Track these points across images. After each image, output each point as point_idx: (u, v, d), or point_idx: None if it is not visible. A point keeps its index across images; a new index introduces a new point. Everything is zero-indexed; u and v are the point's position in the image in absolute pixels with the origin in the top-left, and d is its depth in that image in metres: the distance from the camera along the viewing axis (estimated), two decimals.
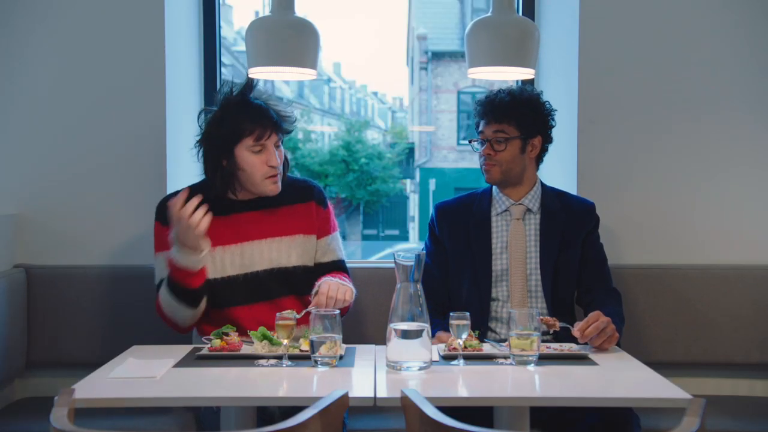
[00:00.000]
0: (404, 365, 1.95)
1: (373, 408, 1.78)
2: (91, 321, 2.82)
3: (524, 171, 2.52)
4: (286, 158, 2.47)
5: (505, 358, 2.07)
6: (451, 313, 2.05)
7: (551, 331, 2.28)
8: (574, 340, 2.22)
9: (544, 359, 2.05)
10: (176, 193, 2.47)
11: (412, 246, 14.61)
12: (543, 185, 2.58)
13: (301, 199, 2.50)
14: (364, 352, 2.17)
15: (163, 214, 2.40)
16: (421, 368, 1.95)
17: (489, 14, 2.43)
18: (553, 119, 2.55)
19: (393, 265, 1.99)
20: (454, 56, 17.15)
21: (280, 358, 2.03)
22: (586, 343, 2.18)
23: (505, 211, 2.54)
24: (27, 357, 2.81)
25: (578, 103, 2.94)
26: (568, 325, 2.22)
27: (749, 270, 2.89)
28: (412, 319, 1.95)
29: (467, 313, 2.04)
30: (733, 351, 2.85)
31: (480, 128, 2.53)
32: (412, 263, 1.96)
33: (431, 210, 2.65)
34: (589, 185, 2.93)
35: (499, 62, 2.39)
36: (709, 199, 2.96)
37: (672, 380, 1.89)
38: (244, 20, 21.38)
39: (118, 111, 2.91)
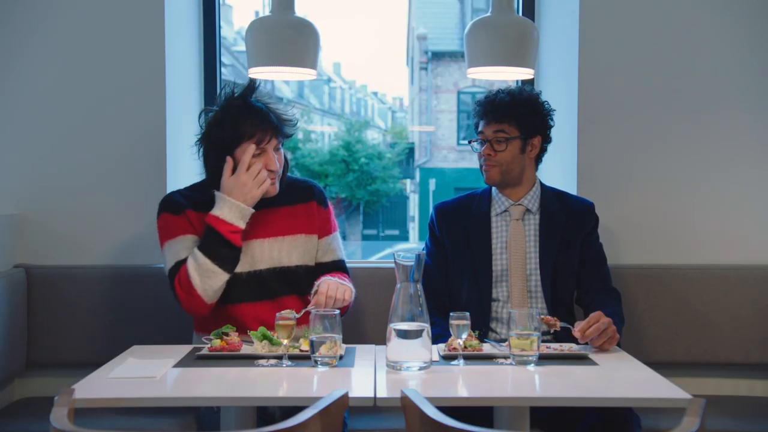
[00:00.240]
0: (404, 365, 1.95)
1: (373, 408, 1.78)
2: (91, 321, 2.82)
3: (524, 171, 2.52)
4: (286, 159, 2.47)
5: (505, 358, 2.07)
6: (451, 313, 2.05)
7: (552, 331, 2.29)
8: (574, 340, 2.22)
9: (544, 359, 2.05)
10: (179, 190, 2.48)
11: (412, 246, 14.62)
12: (542, 185, 2.58)
13: (302, 199, 2.50)
14: (364, 352, 2.17)
15: (172, 206, 2.41)
16: (421, 368, 1.95)
17: (488, 14, 2.43)
18: (552, 119, 2.55)
19: (393, 265, 1.99)
20: (454, 56, 17.15)
21: (280, 358, 2.03)
22: (586, 344, 2.18)
23: (505, 211, 2.54)
24: (27, 357, 2.80)
25: (578, 103, 2.94)
26: (569, 325, 2.22)
27: (749, 270, 2.89)
28: (412, 319, 1.95)
29: (467, 313, 2.04)
30: (733, 351, 2.85)
31: (480, 128, 2.53)
32: (412, 263, 1.96)
33: (431, 210, 2.65)
34: (589, 185, 2.93)
35: (498, 62, 2.39)
36: (709, 199, 2.96)
37: (672, 380, 1.89)
38: (244, 20, 21.38)
39: (118, 111, 2.91)
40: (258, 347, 2.09)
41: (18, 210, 2.90)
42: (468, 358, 2.07)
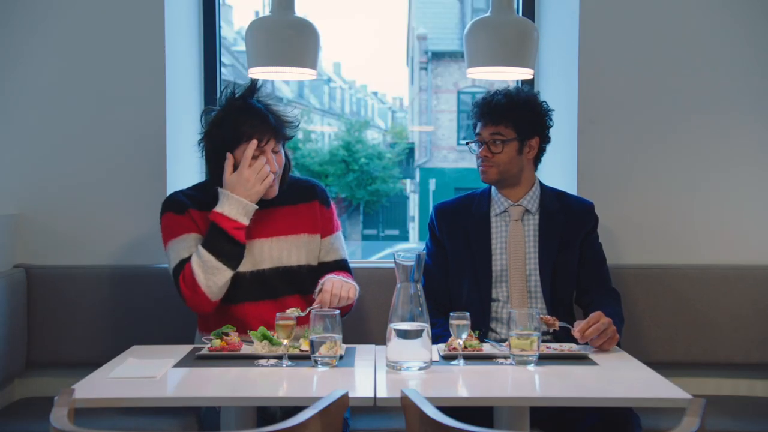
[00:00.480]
0: (404, 365, 1.95)
1: (374, 408, 1.78)
2: (91, 321, 2.82)
3: (522, 172, 2.52)
4: (287, 160, 2.46)
5: (505, 358, 2.07)
6: (451, 313, 2.05)
7: (551, 330, 2.28)
8: (574, 340, 2.22)
9: (544, 359, 2.05)
10: (182, 190, 2.48)
11: (412, 246, 14.62)
12: (542, 185, 2.58)
13: (304, 199, 2.50)
14: (364, 352, 2.18)
15: (175, 205, 2.41)
16: (421, 368, 1.95)
17: (488, 14, 2.43)
18: (550, 119, 2.55)
19: (393, 265, 1.99)
20: (454, 56, 17.15)
21: (280, 358, 2.03)
22: (586, 344, 2.18)
23: (504, 211, 2.54)
24: (27, 357, 2.81)
25: (578, 103, 2.94)
26: (568, 325, 2.22)
27: (749, 270, 2.89)
28: (412, 319, 1.95)
29: (467, 313, 2.05)
30: (733, 351, 2.85)
31: (477, 130, 2.53)
32: (412, 263, 1.96)
33: (431, 210, 2.65)
34: (588, 185, 2.93)
35: (498, 62, 2.39)
36: (709, 199, 2.96)
37: (672, 380, 1.89)
38: (244, 20, 21.37)
39: (118, 111, 2.91)
40: (258, 347, 2.09)
41: (18, 210, 2.90)
42: (468, 358, 2.07)
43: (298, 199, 2.49)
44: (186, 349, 2.22)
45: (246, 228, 2.32)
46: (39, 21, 2.89)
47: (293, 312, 2.04)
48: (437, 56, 17.38)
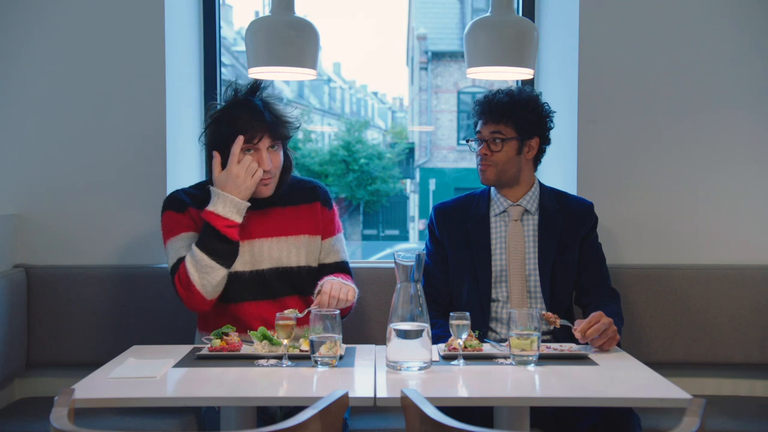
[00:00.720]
0: (404, 365, 1.95)
1: (374, 408, 1.78)
2: (91, 321, 2.82)
3: (521, 172, 2.52)
4: (289, 161, 2.45)
5: (505, 358, 2.07)
6: (451, 313, 2.05)
7: (551, 328, 2.29)
8: (574, 339, 2.22)
9: (544, 359, 2.05)
10: (183, 189, 2.48)
11: (412, 246, 14.61)
12: (541, 186, 2.58)
13: (306, 200, 2.49)
14: (364, 352, 2.17)
15: (175, 204, 2.41)
16: (421, 368, 1.95)
17: (488, 14, 2.43)
18: (551, 121, 2.55)
19: (393, 265, 1.99)
20: (454, 56, 17.15)
21: (280, 358, 2.04)
22: (586, 343, 2.19)
23: (504, 212, 2.54)
24: (27, 357, 2.81)
25: (578, 103, 2.94)
26: (569, 323, 2.22)
27: (749, 270, 2.89)
28: (412, 319, 1.95)
29: (467, 313, 2.05)
30: (733, 351, 2.85)
31: (477, 128, 2.53)
32: (412, 263, 1.96)
33: (431, 211, 2.65)
34: (588, 185, 2.93)
35: (498, 62, 2.39)
36: (709, 199, 2.96)
37: (672, 380, 1.89)
38: (244, 20, 21.38)
39: (118, 111, 2.91)
40: (258, 347, 2.09)
41: (18, 210, 2.90)
42: (468, 358, 2.07)
43: (299, 200, 2.49)
44: (186, 349, 2.22)
45: (239, 226, 2.31)
46: (39, 21, 2.89)
47: (291, 313, 2.03)
48: (437, 56, 17.38)
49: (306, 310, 2.16)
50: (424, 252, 2.43)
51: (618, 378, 1.97)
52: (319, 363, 1.98)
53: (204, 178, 2.68)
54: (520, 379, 1.93)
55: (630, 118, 2.95)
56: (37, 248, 2.90)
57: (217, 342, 2.13)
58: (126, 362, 2.06)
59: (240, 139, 2.30)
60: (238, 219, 2.30)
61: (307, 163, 15.85)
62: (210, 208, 2.30)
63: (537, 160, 2.57)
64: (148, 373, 1.94)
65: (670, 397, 1.79)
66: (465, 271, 2.51)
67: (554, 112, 2.56)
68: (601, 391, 1.88)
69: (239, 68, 13.57)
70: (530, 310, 2.03)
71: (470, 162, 15.02)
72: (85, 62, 2.91)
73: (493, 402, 1.95)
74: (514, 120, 2.47)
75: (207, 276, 2.28)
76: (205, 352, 2.11)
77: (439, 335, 2.33)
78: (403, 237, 17.36)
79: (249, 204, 2.32)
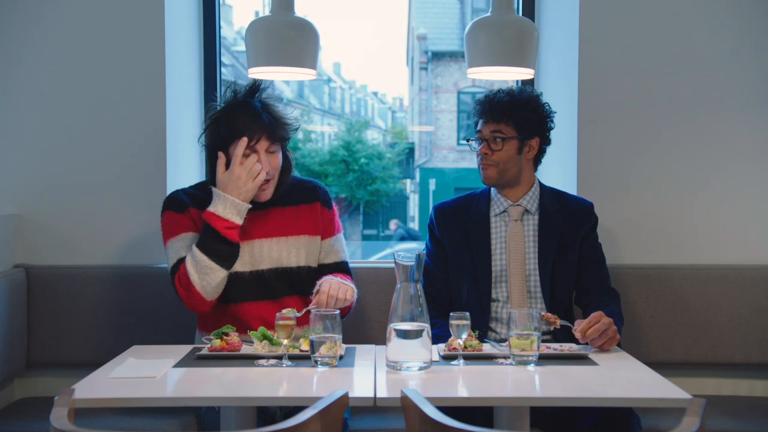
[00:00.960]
0: (404, 365, 1.95)
1: (374, 408, 1.78)
2: (91, 321, 2.82)
3: (521, 172, 2.52)
4: (288, 162, 2.44)
5: (505, 358, 2.07)
6: (451, 313, 2.05)
7: (551, 329, 2.29)
8: (574, 339, 2.22)
9: (544, 359, 2.05)
10: (183, 189, 2.48)
11: (412, 246, 14.61)
12: (542, 186, 2.58)
13: (306, 200, 2.49)
14: (364, 352, 2.17)
15: (175, 204, 2.41)
16: (421, 368, 1.95)
17: (488, 14, 2.43)
18: (552, 121, 2.55)
19: (393, 265, 1.99)
20: (454, 56, 17.15)
21: (280, 358, 2.04)
22: (586, 343, 2.19)
23: (504, 212, 2.54)
24: (27, 357, 2.81)
25: (578, 103, 2.94)
26: (569, 323, 2.22)
27: (749, 270, 2.89)
28: (412, 319, 1.95)
29: (467, 313, 2.05)
30: (733, 351, 2.85)
31: (478, 127, 2.53)
32: (412, 263, 1.96)
33: (431, 211, 2.65)
34: (588, 185, 2.93)
35: (498, 62, 2.39)
36: (709, 199, 2.96)
37: (672, 380, 1.89)
38: (244, 20, 21.38)
39: (118, 111, 2.91)
40: (258, 347, 2.09)
41: (18, 210, 2.90)
42: (468, 358, 2.07)
43: (299, 200, 2.48)
44: (186, 349, 2.22)
45: (239, 227, 2.31)
46: (39, 21, 2.89)
47: (289, 312, 2.03)
48: (437, 56, 17.38)
49: (304, 310, 2.16)
50: (424, 252, 2.43)
51: (618, 378, 1.97)
52: (319, 363, 1.98)
53: (204, 179, 2.68)
54: (520, 379, 1.93)
55: (630, 118, 2.95)
56: (37, 248, 2.90)
57: (217, 342, 2.13)
58: (126, 362, 2.06)
59: (243, 140, 2.30)
60: (239, 221, 2.30)
61: (307, 163, 15.85)
62: (211, 209, 2.30)
63: (537, 160, 2.57)
64: (148, 373, 1.94)
65: (670, 397, 1.78)
66: (465, 271, 2.51)
67: (555, 112, 2.56)
68: (601, 391, 1.88)
69: (239, 68, 13.57)
70: (530, 310, 2.03)
71: (470, 162, 15.02)
72: (85, 62, 2.91)
73: (493, 402, 1.95)
74: (514, 119, 2.47)
75: (207, 277, 2.28)
76: (205, 352, 2.11)
77: (439, 335, 2.33)
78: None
79: (250, 206, 2.32)
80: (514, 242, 2.49)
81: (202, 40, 3.21)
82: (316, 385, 1.87)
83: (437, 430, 1.33)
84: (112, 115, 2.91)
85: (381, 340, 2.14)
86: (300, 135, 16.03)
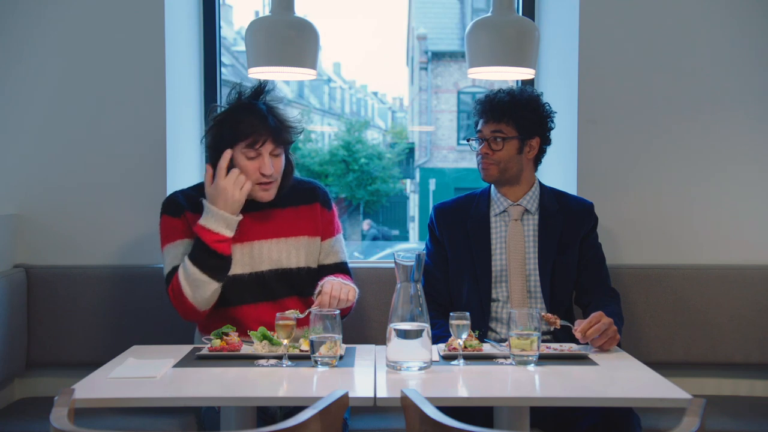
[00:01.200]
0: (404, 365, 1.95)
1: (373, 408, 1.78)
2: (91, 321, 2.82)
3: (521, 171, 2.52)
4: (290, 164, 2.43)
5: (505, 358, 2.07)
6: (451, 313, 2.05)
7: (552, 329, 2.29)
8: (574, 339, 2.22)
9: (544, 359, 2.05)
10: (182, 190, 2.48)
11: (412, 246, 14.61)
12: (542, 186, 2.58)
13: (306, 201, 2.49)
14: (364, 352, 2.17)
15: (171, 207, 2.40)
16: (421, 368, 1.95)
17: (489, 14, 2.43)
18: (552, 121, 2.55)
19: (393, 265, 1.99)
20: (454, 56, 17.14)
21: (280, 358, 2.03)
22: (586, 343, 2.19)
23: (504, 211, 2.54)
24: (27, 357, 2.81)
25: (578, 103, 2.94)
26: (569, 324, 2.22)
27: (749, 270, 2.89)
28: (412, 319, 1.95)
29: (467, 313, 2.05)
30: (733, 351, 2.85)
31: (478, 127, 2.53)
32: (412, 263, 1.96)
33: (431, 211, 2.65)
34: (588, 185, 2.93)
35: (499, 62, 2.39)
36: (708, 199, 2.96)
37: (672, 380, 1.89)
38: (244, 20, 21.36)
39: (118, 111, 2.91)
40: (258, 347, 2.09)
41: (18, 210, 2.90)
42: (468, 358, 2.07)
43: (299, 201, 2.48)
44: (186, 349, 2.22)
45: (230, 239, 2.31)
46: (39, 21, 2.89)
47: (292, 314, 2.03)
48: (437, 56, 17.37)
49: (307, 311, 2.16)
50: (424, 252, 2.43)
51: (618, 378, 1.97)
52: (319, 363, 1.98)
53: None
54: (520, 379, 1.93)
55: (630, 118, 2.95)
56: (37, 248, 2.90)
57: (217, 342, 2.13)
58: (126, 362, 2.06)
59: (227, 153, 2.29)
60: (228, 233, 2.30)
61: (307, 163, 15.84)
62: (201, 221, 2.30)
63: (537, 160, 2.57)
64: (148, 373, 1.94)
65: (670, 397, 1.78)
66: (465, 271, 2.51)
67: (555, 112, 2.56)
68: (601, 391, 1.88)
69: (239, 68, 13.57)
70: (530, 310, 2.03)
71: (470, 162, 15.02)
72: (85, 62, 2.91)
73: (493, 402, 1.95)
74: (515, 119, 2.47)
75: (198, 290, 2.29)
76: (205, 352, 2.11)
77: (439, 335, 2.33)
78: (403, 237, 17.36)
79: (239, 218, 2.31)
80: (514, 242, 2.49)
81: (202, 40, 3.21)
82: (316, 385, 1.87)
83: (437, 430, 1.33)
84: (112, 114, 2.91)
85: (381, 340, 2.14)
86: (300, 135, 16.00)
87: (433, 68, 17.40)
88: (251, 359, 2.06)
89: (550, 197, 2.56)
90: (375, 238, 14.11)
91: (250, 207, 2.40)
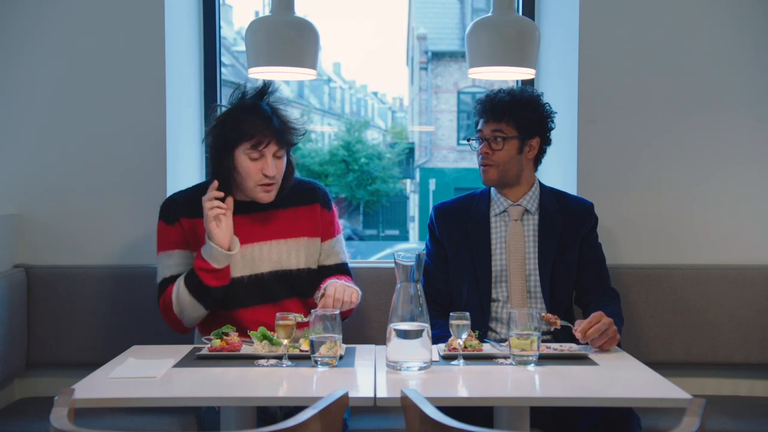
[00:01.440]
0: (404, 365, 1.95)
1: (373, 408, 1.78)
2: (91, 321, 2.82)
3: (521, 172, 2.52)
4: (291, 166, 2.42)
5: (505, 358, 2.07)
6: (451, 313, 2.05)
7: (552, 329, 2.29)
8: (574, 339, 2.22)
9: (544, 359, 2.05)
10: (181, 192, 2.48)
11: (412, 246, 14.62)
12: (542, 186, 2.58)
13: (305, 202, 2.48)
14: (364, 352, 2.17)
15: (167, 212, 2.40)
16: (421, 368, 1.95)
17: (489, 14, 2.43)
18: (552, 122, 2.55)
19: (393, 265, 1.99)
20: (454, 56, 17.15)
21: (280, 358, 2.03)
22: (586, 343, 2.19)
23: (504, 211, 2.54)
24: (27, 357, 2.81)
25: (578, 103, 2.94)
26: (569, 324, 2.22)
27: (749, 270, 2.89)
28: (412, 319, 1.95)
29: (467, 313, 2.04)
30: (733, 351, 2.85)
31: (479, 127, 2.53)
32: (412, 263, 1.96)
33: (431, 211, 2.65)
34: (588, 185, 2.93)
35: (499, 62, 2.39)
36: (708, 199, 2.96)
37: (672, 380, 1.89)
38: (244, 20, 21.39)
39: (118, 111, 2.91)
40: (258, 347, 2.09)
41: (18, 210, 2.90)
42: (468, 358, 2.07)
43: (299, 202, 2.47)
44: (186, 349, 2.22)
45: (218, 270, 2.29)
46: (39, 22, 2.89)
47: (296, 318, 2.03)
48: (437, 56, 17.38)
49: (311, 314, 2.15)
50: (424, 252, 2.43)
51: (618, 378, 1.97)
52: (319, 363, 1.98)
53: (204, 179, 2.68)
54: (520, 379, 1.93)
55: (630, 118, 2.95)
56: (37, 248, 2.90)
57: (217, 342, 2.13)
58: (126, 362, 2.06)
59: (215, 183, 2.28)
60: (215, 264, 2.29)
61: (307, 163, 15.85)
62: (202, 250, 2.30)
63: (537, 161, 2.57)
64: (148, 373, 1.94)
65: (670, 397, 1.78)
66: (465, 271, 2.51)
67: (555, 112, 2.56)
68: (601, 391, 1.88)
69: (239, 68, 13.57)
70: (530, 310, 2.03)
71: (470, 162, 15.02)
72: (85, 62, 2.91)
73: (493, 402, 1.95)
74: (515, 119, 2.47)
75: (186, 311, 2.32)
76: (205, 352, 2.11)
77: (439, 335, 2.33)
78: (403, 237, 17.37)
79: (230, 253, 2.29)
80: (514, 242, 2.49)
81: (202, 40, 3.21)
82: (316, 385, 1.87)
83: (437, 430, 1.33)
84: (112, 114, 2.91)
85: (381, 340, 2.14)
86: None
87: (433, 68, 17.41)
88: (251, 359, 2.06)
89: (550, 197, 2.56)
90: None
91: (250, 208, 2.40)
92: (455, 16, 18.00)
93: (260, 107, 2.34)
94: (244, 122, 2.30)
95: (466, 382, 1.93)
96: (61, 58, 2.90)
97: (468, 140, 2.57)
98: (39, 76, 2.90)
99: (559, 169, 3.08)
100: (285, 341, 2.02)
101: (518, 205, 2.52)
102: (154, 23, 2.89)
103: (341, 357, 2.05)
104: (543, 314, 2.21)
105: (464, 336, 2.05)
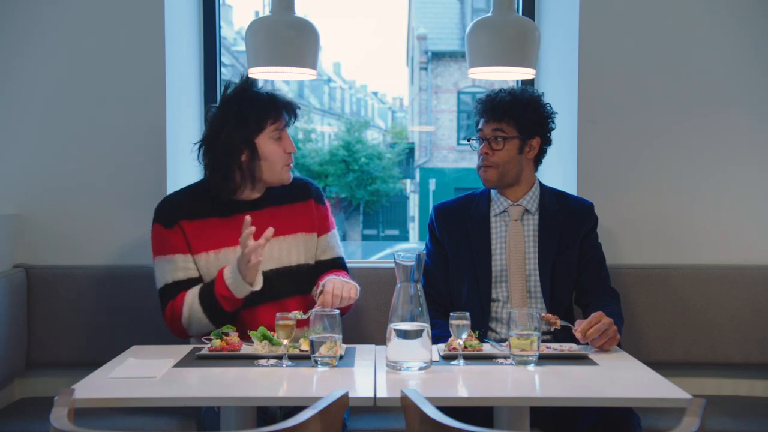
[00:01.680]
0: (404, 365, 1.95)
1: (373, 408, 1.78)
2: (91, 321, 2.82)
3: (522, 172, 2.52)
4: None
5: (505, 358, 2.07)
6: (451, 313, 2.05)
7: (552, 329, 2.29)
8: (574, 339, 2.22)
9: (544, 359, 2.05)
10: (175, 194, 2.47)
11: (412, 246, 14.62)
12: (542, 186, 2.58)
13: (300, 198, 2.49)
14: (364, 352, 2.17)
15: (163, 215, 2.39)
16: (421, 368, 1.95)
17: (489, 14, 2.43)
18: (553, 122, 2.55)
19: (393, 265, 1.99)
20: (454, 56, 17.15)
21: (280, 358, 2.03)
22: (586, 343, 2.19)
23: (504, 211, 2.54)
24: (27, 357, 2.81)
25: (578, 103, 2.94)
26: (569, 324, 2.22)
27: (749, 270, 2.89)
28: (412, 319, 1.95)
29: (467, 313, 2.04)
30: (733, 351, 2.85)
31: (479, 126, 2.54)
32: (412, 263, 1.96)
33: (431, 211, 2.65)
34: (588, 185, 2.93)
35: (499, 62, 2.39)
36: (708, 199, 2.96)
37: (672, 380, 1.89)
38: (244, 20, 21.40)
39: (118, 111, 2.91)
40: (258, 347, 2.09)
41: (18, 210, 2.90)
42: (468, 358, 2.07)
43: (293, 198, 2.48)
44: (186, 349, 2.22)
45: (237, 300, 2.27)
46: (39, 21, 2.89)
47: (296, 315, 2.03)
48: (437, 56, 17.38)
49: (310, 312, 2.15)
50: (424, 252, 2.43)
51: (618, 378, 1.97)
52: (319, 363, 1.98)
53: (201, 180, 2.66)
54: (520, 379, 1.93)
55: (630, 118, 2.96)
56: (37, 248, 2.90)
57: (217, 342, 2.13)
58: (126, 362, 2.06)
59: (251, 226, 2.20)
60: (241, 295, 2.27)
61: (307, 163, 15.85)
62: (226, 270, 2.27)
63: (538, 161, 2.57)
64: (148, 373, 1.94)
65: (670, 397, 1.78)
66: (465, 271, 2.51)
67: (556, 113, 2.56)
68: (601, 391, 1.88)
69: (239, 68, 13.54)
70: (530, 310, 2.03)
71: (470, 162, 15.03)
72: (85, 62, 2.91)
73: (493, 402, 1.95)
74: (515, 119, 2.48)
75: (194, 323, 2.32)
76: (205, 352, 2.11)
77: (439, 335, 2.33)
78: (403, 237, 17.37)
79: (256, 287, 2.26)
80: (514, 242, 2.49)
81: (202, 40, 3.21)
82: (316, 385, 1.87)
83: (437, 430, 1.33)
84: (112, 115, 2.91)
85: (381, 340, 2.14)
86: (300, 135, 16.04)
87: (433, 68, 17.41)
88: (251, 359, 2.06)
89: (550, 197, 2.56)
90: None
91: (247, 208, 2.40)
92: (455, 16, 18.01)
93: (259, 92, 2.38)
94: (262, 109, 2.33)
95: (466, 382, 1.93)
96: (61, 58, 2.90)
97: (468, 140, 2.57)
98: (39, 75, 2.90)
99: (559, 169, 3.08)
100: (285, 341, 2.02)
101: (518, 205, 2.52)
102: (154, 23, 2.89)
103: (341, 357, 2.05)
104: (543, 314, 2.21)
105: (464, 336, 2.05)
